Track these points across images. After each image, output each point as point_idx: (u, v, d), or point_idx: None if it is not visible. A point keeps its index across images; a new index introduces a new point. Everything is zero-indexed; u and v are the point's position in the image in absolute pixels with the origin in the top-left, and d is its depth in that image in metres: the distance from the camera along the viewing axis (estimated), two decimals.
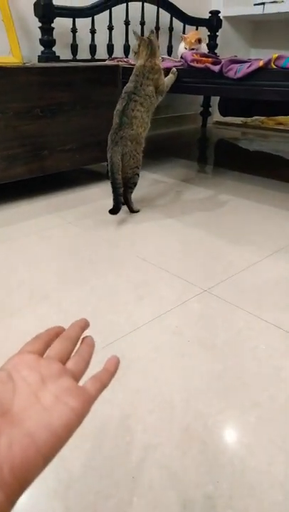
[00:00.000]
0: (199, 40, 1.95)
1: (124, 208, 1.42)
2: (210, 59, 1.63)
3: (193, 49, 1.92)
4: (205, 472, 0.56)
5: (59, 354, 0.37)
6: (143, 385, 0.71)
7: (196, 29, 2.52)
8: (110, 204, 1.33)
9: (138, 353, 0.78)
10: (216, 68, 1.50)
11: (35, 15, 1.87)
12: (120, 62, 1.85)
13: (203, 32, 2.54)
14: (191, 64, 1.60)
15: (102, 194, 1.58)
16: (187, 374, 0.73)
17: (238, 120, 3.09)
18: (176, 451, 0.59)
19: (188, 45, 1.94)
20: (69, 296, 0.96)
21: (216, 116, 3.03)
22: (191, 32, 2.14)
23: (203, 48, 1.99)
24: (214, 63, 1.57)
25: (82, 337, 0.40)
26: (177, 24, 2.48)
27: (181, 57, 1.75)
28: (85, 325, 0.42)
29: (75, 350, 0.38)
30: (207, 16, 2.61)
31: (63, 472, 0.56)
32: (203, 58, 1.65)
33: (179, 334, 0.83)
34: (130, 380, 0.72)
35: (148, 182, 1.77)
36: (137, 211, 1.44)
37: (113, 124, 1.32)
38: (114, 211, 1.32)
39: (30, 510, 0.51)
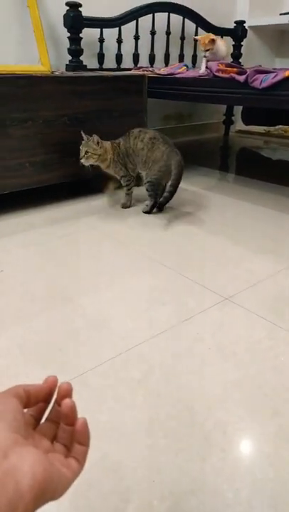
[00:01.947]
0: (213, 41, 1.93)
1: (141, 215, 1.46)
2: (235, 69, 1.65)
3: (208, 50, 1.90)
4: (224, 480, 0.57)
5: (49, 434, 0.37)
6: (164, 391, 0.72)
7: (221, 37, 2.53)
8: (136, 210, 1.37)
9: (159, 358, 0.79)
10: (242, 78, 1.51)
11: (65, 25, 1.92)
12: (146, 72, 1.88)
13: (228, 41, 2.56)
14: (217, 74, 1.62)
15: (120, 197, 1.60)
16: (208, 381, 0.74)
17: (261, 129, 3.08)
18: (196, 457, 0.60)
19: (202, 46, 1.93)
20: (91, 300, 0.98)
21: (239, 124, 3.03)
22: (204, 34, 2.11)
23: (220, 46, 1.94)
24: (239, 73, 1.58)
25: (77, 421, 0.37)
26: (202, 34, 2.50)
27: (206, 68, 1.76)
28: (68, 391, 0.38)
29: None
30: (232, 25, 2.63)
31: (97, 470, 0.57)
32: (228, 68, 1.66)
33: (200, 341, 0.84)
34: (151, 384, 0.73)
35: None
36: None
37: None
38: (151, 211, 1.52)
39: None
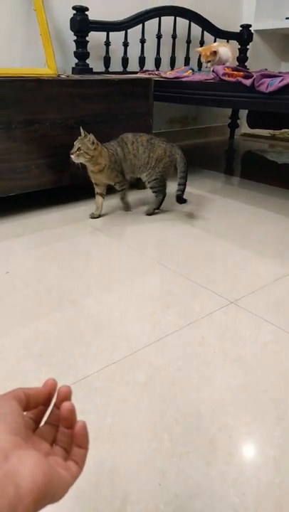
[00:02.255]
0: (214, 53, 1.94)
1: (145, 218, 1.45)
2: (241, 73, 1.65)
3: (209, 61, 1.92)
4: (230, 484, 0.57)
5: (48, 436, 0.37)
6: (169, 394, 0.71)
7: (227, 42, 2.54)
8: (139, 212, 1.37)
9: (164, 361, 0.79)
10: (248, 82, 1.51)
11: (71, 29, 1.94)
12: (152, 75, 1.89)
13: (233, 45, 2.57)
14: (223, 78, 1.62)
15: (132, 202, 1.60)
16: (213, 385, 0.74)
17: (266, 132, 3.08)
18: (201, 461, 0.60)
19: (204, 58, 1.95)
20: (96, 302, 0.98)
21: (244, 128, 3.03)
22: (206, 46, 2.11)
23: (223, 54, 1.94)
24: (246, 77, 1.58)
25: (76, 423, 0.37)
26: (208, 38, 2.52)
27: (213, 71, 1.77)
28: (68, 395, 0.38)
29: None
30: (238, 29, 2.63)
31: (103, 468, 0.57)
32: (235, 72, 1.67)
33: (205, 345, 0.84)
34: (156, 388, 0.73)
35: (175, 192, 1.79)
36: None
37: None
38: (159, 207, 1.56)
39: None
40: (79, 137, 1.37)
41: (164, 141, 1.48)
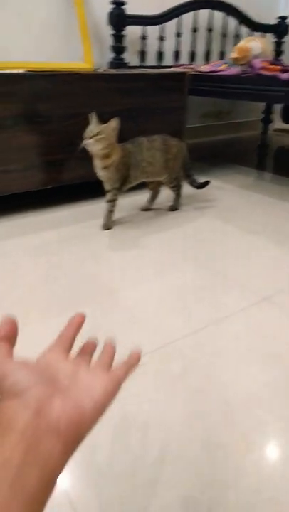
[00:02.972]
0: (247, 50, 1.89)
1: (185, 211, 1.45)
2: (278, 67, 1.62)
3: (243, 64, 1.88)
4: (265, 478, 0.58)
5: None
6: (202, 387, 0.73)
7: (263, 35, 2.50)
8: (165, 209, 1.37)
9: (198, 355, 0.81)
10: (285, 76, 1.49)
11: (109, 23, 1.95)
12: (187, 69, 1.88)
13: (268, 39, 2.52)
14: (260, 72, 1.60)
15: (163, 197, 1.61)
16: (247, 380, 0.74)
17: None
18: (235, 454, 0.61)
19: (239, 61, 1.89)
20: (129, 295, 1.00)
21: (278, 123, 2.98)
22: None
23: (255, 48, 1.89)
24: (283, 71, 1.56)
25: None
26: (244, 31, 2.48)
27: (249, 66, 1.74)
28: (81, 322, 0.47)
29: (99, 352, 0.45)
30: (275, 21, 2.58)
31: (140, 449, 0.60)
32: (272, 66, 1.64)
33: (238, 340, 0.85)
34: (191, 380, 0.74)
35: (207, 187, 1.78)
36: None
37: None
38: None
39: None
40: (92, 123, 1.25)
41: (172, 137, 1.44)
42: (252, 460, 0.60)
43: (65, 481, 0.57)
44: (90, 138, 1.22)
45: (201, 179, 1.56)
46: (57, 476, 0.29)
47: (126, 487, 0.56)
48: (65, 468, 0.30)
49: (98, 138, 1.22)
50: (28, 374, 0.33)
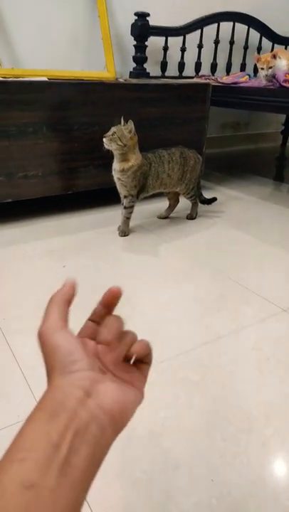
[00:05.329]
0: (274, 56, 1.90)
1: (202, 220, 1.46)
2: None
3: (271, 67, 1.88)
4: (284, 488, 0.57)
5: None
6: (222, 395, 0.73)
7: (285, 48, 2.51)
8: (183, 217, 1.38)
9: (216, 363, 0.80)
10: None
11: (132, 34, 1.98)
12: (209, 80, 1.90)
13: None
14: (283, 84, 1.61)
15: (180, 205, 1.62)
16: (266, 390, 0.74)
17: None
18: (254, 462, 0.61)
19: (264, 64, 1.90)
20: (148, 301, 1.01)
21: None
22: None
23: (280, 64, 1.91)
24: None
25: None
26: (266, 44, 2.49)
27: (273, 77, 1.75)
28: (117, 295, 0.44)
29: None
30: None
31: (153, 459, 0.60)
32: None
33: (257, 350, 0.84)
34: (209, 388, 0.74)
35: (225, 197, 1.79)
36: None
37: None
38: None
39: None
40: (118, 125, 1.29)
41: (188, 149, 1.45)
42: (271, 469, 0.60)
43: None
44: (106, 137, 1.28)
45: (219, 189, 1.56)
46: (103, 459, 0.29)
47: (143, 492, 0.56)
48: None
49: (112, 137, 1.27)
50: (82, 348, 0.33)
